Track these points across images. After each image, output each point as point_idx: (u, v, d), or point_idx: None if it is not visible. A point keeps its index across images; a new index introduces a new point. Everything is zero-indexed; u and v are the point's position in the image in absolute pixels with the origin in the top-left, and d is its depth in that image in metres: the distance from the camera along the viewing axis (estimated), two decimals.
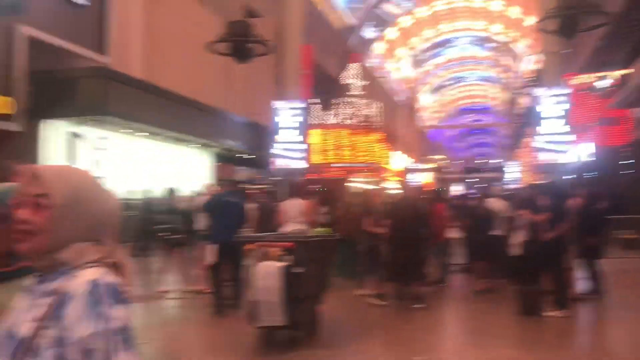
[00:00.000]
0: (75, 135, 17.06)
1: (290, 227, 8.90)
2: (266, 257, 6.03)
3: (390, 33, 43.14)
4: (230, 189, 8.84)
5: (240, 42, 12.77)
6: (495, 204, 10.16)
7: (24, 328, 1.31)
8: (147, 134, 19.25)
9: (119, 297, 1.33)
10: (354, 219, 9.56)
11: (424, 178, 32.82)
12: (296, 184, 10.54)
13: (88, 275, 1.33)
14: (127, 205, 16.38)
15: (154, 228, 11.12)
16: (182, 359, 5.90)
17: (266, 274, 5.88)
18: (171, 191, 10.45)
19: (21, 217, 1.36)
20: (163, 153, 20.82)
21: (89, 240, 1.40)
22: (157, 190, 17.77)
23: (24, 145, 15.48)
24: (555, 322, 7.50)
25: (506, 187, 27.22)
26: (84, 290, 1.30)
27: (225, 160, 25.15)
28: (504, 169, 36.65)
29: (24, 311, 1.35)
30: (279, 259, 5.98)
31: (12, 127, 14.97)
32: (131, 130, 18.59)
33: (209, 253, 8.46)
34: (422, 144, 54.04)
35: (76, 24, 16.99)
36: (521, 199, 9.13)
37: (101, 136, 17.77)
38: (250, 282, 6.01)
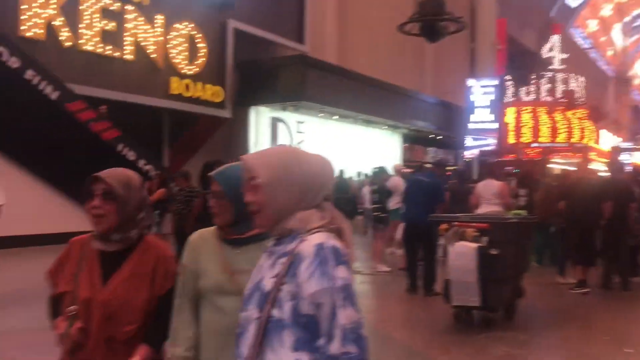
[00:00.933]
0: (277, 120, 18.39)
1: (484, 209, 8.72)
2: (461, 237, 5.99)
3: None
4: (425, 170, 8.92)
5: (431, 21, 12.63)
6: None
7: (268, 283, 1.55)
8: (338, 117, 20.03)
9: (341, 259, 1.51)
10: (553, 202, 9.02)
11: (636, 158, 29.59)
12: (490, 165, 10.21)
13: (315, 239, 1.52)
14: None
15: (350, 207, 11.62)
16: (378, 330, 6.14)
17: (461, 254, 5.85)
18: (378, 171, 10.76)
19: (247, 200, 1.61)
20: (354, 135, 21.50)
21: (309, 207, 1.59)
22: (351, 171, 18.49)
23: (233, 130, 17.13)
24: None
25: None
26: (312, 252, 1.50)
27: (414, 141, 25.18)
28: None
29: (267, 269, 1.59)
30: (474, 239, 5.91)
31: (224, 114, 16.62)
32: (325, 114, 19.51)
33: (401, 232, 8.72)
34: (637, 121, 48.53)
35: (276, 15, 18.23)
36: None
37: (299, 120, 18.93)
38: (446, 262, 6.03)
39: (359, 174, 18.66)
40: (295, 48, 18.95)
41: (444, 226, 6.16)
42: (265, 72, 17.19)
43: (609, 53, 43.64)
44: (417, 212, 7.82)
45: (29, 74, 11.15)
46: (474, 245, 5.82)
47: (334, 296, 1.47)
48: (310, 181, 1.61)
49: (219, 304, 1.97)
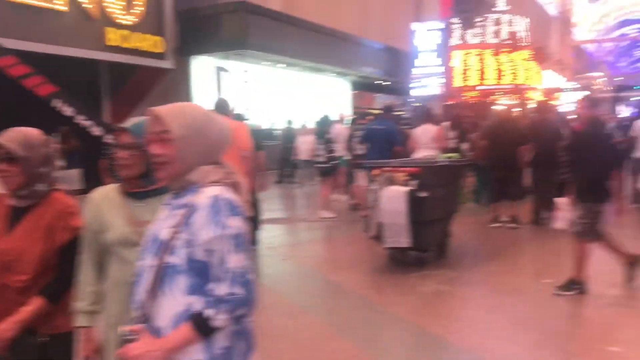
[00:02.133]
0: (221, 69, 18.08)
1: (421, 153, 8.96)
2: (392, 182, 6.19)
3: None
4: (380, 117, 9.12)
5: None
6: None
7: (164, 233, 1.65)
8: (285, 65, 19.81)
9: (235, 210, 1.63)
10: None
11: (575, 98, 30.47)
12: (427, 110, 10.40)
13: (211, 191, 1.64)
14: (270, 134, 17.31)
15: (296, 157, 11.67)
16: (316, 274, 6.37)
17: (392, 198, 6.05)
18: (322, 120, 10.76)
19: (153, 152, 1.69)
20: (302, 83, 21.36)
21: (210, 163, 1.70)
22: (297, 119, 18.47)
23: (176, 81, 16.77)
24: None
25: None
26: (207, 203, 1.61)
27: (363, 87, 25.20)
28: None
29: (164, 220, 1.70)
30: (404, 183, 6.11)
31: (165, 64, 16.22)
32: (270, 62, 19.26)
33: (361, 179, 9.07)
34: (579, 61, 49.65)
35: None
36: None
37: (244, 69, 18.66)
38: (377, 205, 6.22)
39: (306, 122, 18.68)
40: None
41: (375, 172, 6.34)
42: (207, 20, 16.76)
43: None
44: (376, 159, 8.00)
45: None
46: (404, 188, 6.02)
47: (225, 243, 1.58)
48: (217, 139, 1.72)
49: (125, 255, 2.05)
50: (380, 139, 8.34)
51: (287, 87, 20.46)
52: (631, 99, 31.39)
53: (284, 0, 20.49)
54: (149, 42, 15.55)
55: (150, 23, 15.67)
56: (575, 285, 5.30)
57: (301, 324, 4.61)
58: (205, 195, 1.62)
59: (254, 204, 6.47)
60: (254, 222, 6.47)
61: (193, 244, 1.59)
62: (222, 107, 6.32)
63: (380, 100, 26.12)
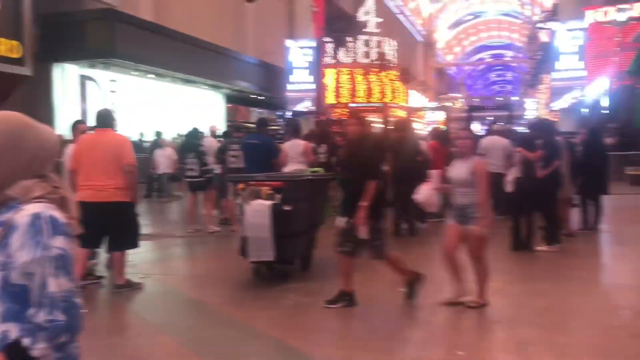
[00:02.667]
0: (86, 78, 17.21)
1: (290, 167, 9.10)
2: (257, 196, 6.22)
3: None
4: (255, 131, 9.17)
5: None
6: (495, 141, 10.13)
7: None
8: (155, 75, 19.29)
9: (59, 228, 1.51)
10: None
11: (436, 117, 32.56)
12: (297, 125, 10.61)
13: (32, 209, 1.51)
14: (139, 146, 16.69)
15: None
16: (176, 292, 6.22)
17: (256, 211, 6.09)
18: (192, 133, 10.54)
19: None
20: (173, 94, 20.91)
21: (33, 177, 1.57)
22: (169, 132, 18.01)
23: (36, 89, 15.70)
24: (545, 257, 7.65)
25: (516, 124, 26.97)
26: (26, 222, 1.48)
27: (238, 101, 25.17)
28: (510, 106, 36.34)
29: None
30: (268, 197, 6.17)
31: (23, 71, 15.14)
32: (140, 72, 18.66)
33: (232, 193, 9.02)
34: (441, 83, 53.10)
35: None
36: (519, 136, 9.17)
37: (111, 79, 17.91)
38: (242, 219, 6.23)
39: (179, 135, 18.22)
40: (104, 1, 17.73)
41: (241, 186, 6.34)
42: (71, 26, 15.90)
43: (419, 22, 46.86)
44: (257, 172, 7.96)
45: None
46: (268, 202, 6.08)
47: (46, 265, 1.47)
48: (39, 151, 1.59)
49: None
50: (256, 152, 8.39)
51: (157, 98, 19.91)
52: (487, 118, 34.13)
53: (155, 10, 20.00)
54: (4, 46, 14.46)
55: (6, 26, 14.58)
56: (345, 298, 5.50)
57: (156, 344, 4.47)
58: (24, 213, 1.50)
59: (135, 220, 6.31)
60: (136, 238, 6.27)
61: (9, 266, 1.47)
62: (106, 118, 6.15)
63: (256, 115, 26.27)
